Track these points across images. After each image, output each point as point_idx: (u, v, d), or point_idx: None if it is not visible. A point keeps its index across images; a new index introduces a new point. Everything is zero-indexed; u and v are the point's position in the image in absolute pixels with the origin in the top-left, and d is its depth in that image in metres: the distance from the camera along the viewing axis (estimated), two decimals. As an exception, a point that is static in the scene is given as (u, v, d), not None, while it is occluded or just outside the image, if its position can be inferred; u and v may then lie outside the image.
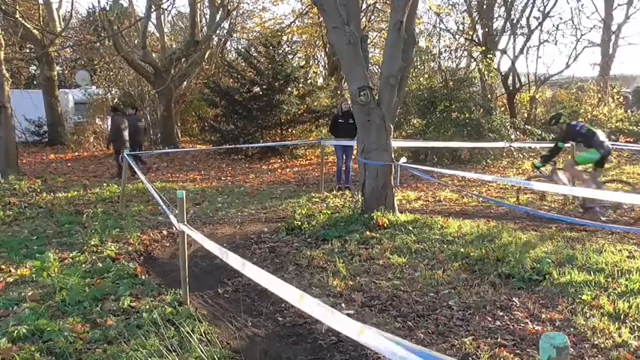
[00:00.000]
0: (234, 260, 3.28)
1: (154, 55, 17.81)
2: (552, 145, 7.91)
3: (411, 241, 5.84)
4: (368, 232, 6.24)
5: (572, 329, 3.72)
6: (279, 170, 13.20)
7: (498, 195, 9.21)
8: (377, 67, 18.77)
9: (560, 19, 31.04)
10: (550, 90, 21.55)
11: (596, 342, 3.54)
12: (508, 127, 13.26)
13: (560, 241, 5.67)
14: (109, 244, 6.18)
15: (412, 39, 7.44)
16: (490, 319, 3.96)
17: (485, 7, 17.52)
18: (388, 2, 15.14)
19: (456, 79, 14.25)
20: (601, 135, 7.37)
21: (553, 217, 6.86)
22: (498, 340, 3.61)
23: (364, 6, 18.22)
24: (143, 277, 5.19)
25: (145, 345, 3.50)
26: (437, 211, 7.92)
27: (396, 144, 8.93)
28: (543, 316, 3.96)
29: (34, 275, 5.06)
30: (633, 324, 3.74)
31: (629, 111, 19.15)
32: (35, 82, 23.61)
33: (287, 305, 4.42)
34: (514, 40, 18.43)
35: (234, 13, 20.31)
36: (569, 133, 7.49)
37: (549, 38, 21.49)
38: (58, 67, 21.71)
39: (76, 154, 16.23)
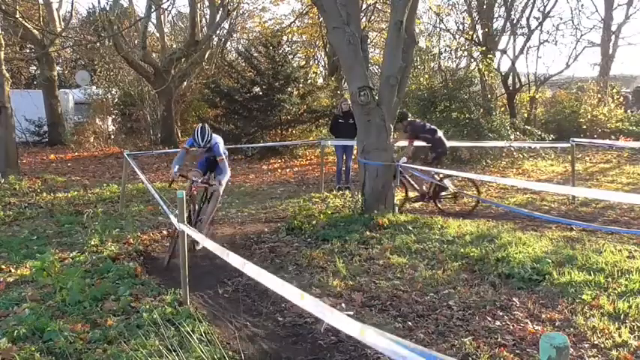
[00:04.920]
0: (234, 260, 3.29)
1: (154, 55, 17.80)
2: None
3: (411, 241, 5.84)
4: (368, 232, 6.24)
5: (572, 329, 3.72)
6: (279, 170, 13.20)
7: (498, 195, 9.21)
8: (377, 67, 18.75)
9: (560, 19, 30.95)
10: (550, 90, 21.52)
11: (596, 342, 3.53)
12: (508, 128, 13.25)
13: (560, 241, 5.67)
14: (109, 244, 6.18)
15: (412, 39, 7.44)
16: (490, 319, 3.96)
17: (485, 7, 17.48)
18: (388, 2, 15.13)
19: (456, 79, 14.24)
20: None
21: (551, 218, 6.85)
22: (498, 340, 3.61)
23: (364, 6, 18.20)
24: (143, 277, 5.19)
25: (145, 345, 3.50)
26: (437, 211, 7.93)
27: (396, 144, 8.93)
28: (543, 316, 3.95)
29: (34, 275, 5.06)
30: (633, 324, 3.74)
31: (629, 111, 19.15)
32: (35, 82, 23.60)
33: (287, 305, 4.42)
34: (514, 40, 18.31)
35: (234, 13, 20.29)
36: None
37: (549, 38, 21.38)
38: (58, 67, 21.67)
39: (76, 154, 16.21)
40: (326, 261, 5.41)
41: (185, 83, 18.63)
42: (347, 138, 9.55)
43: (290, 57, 17.33)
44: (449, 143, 8.71)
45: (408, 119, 8.46)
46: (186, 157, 6.28)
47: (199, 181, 6.08)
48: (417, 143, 8.16)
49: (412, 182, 8.01)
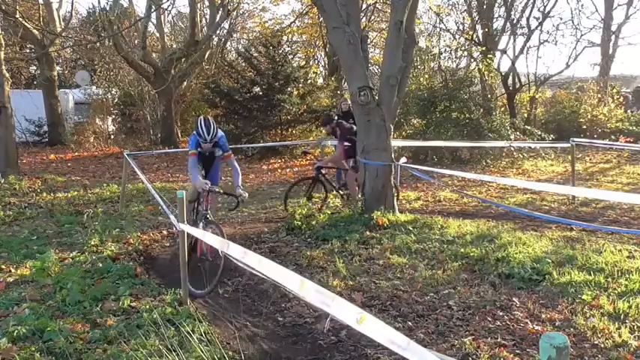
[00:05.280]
0: (234, 250, 3.30)
1: (154, 55, 17.80)
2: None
3: (411, 241, 5.84)
4: (368, 232, 6.24)
5: (572, 329, 3.72)
6: (279, 170, 13.20)
7: (498, 195, 9.21)
8: (377, 67, 18.75)
9: (560, 19, 30.90)
10: (550, 90, 21.52)
11: (596, 342, 3.53)
12: (508, 128, 13.26)
13: (560, 241, 5.67)
14: (109, 244, 6.17)
15: (412, 39, 7.44)
16: (490, 319, 3.96)
17: (485, 7, 17.49)
18: (388, 2, 15.12)
19: (456, 79, 14.24)
20: None
21: (551, 218, 6.84)
22: (498, 340, 3.61)
23: (364, 6, 18.21)
24: (143, 277, 5.19)
25: (145, 345, 3.50)
26: (437, 211, 7.92)
27: (396, 144, 8.93)
28: (543, 316, 3.95)
29: (34, 275, 5.06)
30: (633, 324, 3.73)
31: (629, 111, 19.14)
32: (35, 82, 23.59)
33: (287, 305, 4.42)
34: (514, 40, 18.33)
35: (234, 13, 20.30)
36: None
37: (549, 38, 21.32)
38: (58, 67, 21.66)
39: (76, 154, 16.21)
40: (326, 261, 5.41)
41: (185, 83, 18.64)
42: (347, 138, 9.53)
43: (290, 57, 17.35)
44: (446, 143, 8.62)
45: (336, 121, 8.17)
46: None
47: (222, 192, 5.42)
48: (347, 144, 7.97)
49: (332, 183, 8.13)
